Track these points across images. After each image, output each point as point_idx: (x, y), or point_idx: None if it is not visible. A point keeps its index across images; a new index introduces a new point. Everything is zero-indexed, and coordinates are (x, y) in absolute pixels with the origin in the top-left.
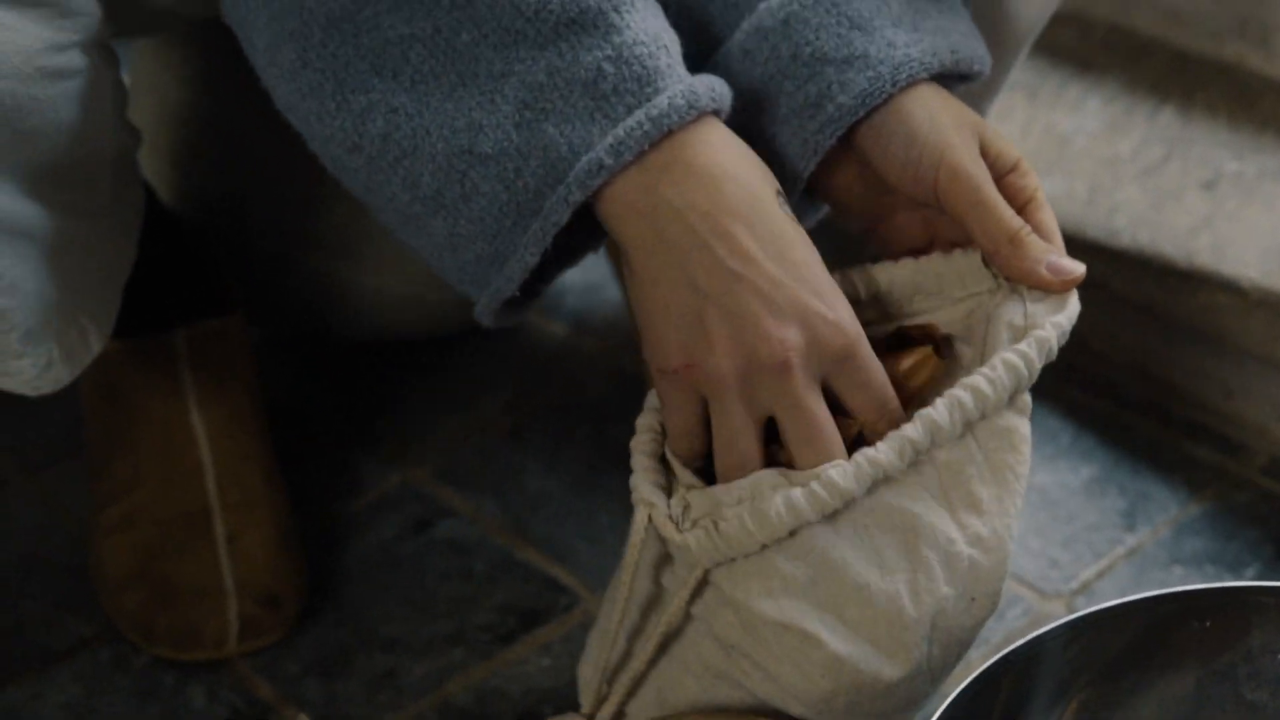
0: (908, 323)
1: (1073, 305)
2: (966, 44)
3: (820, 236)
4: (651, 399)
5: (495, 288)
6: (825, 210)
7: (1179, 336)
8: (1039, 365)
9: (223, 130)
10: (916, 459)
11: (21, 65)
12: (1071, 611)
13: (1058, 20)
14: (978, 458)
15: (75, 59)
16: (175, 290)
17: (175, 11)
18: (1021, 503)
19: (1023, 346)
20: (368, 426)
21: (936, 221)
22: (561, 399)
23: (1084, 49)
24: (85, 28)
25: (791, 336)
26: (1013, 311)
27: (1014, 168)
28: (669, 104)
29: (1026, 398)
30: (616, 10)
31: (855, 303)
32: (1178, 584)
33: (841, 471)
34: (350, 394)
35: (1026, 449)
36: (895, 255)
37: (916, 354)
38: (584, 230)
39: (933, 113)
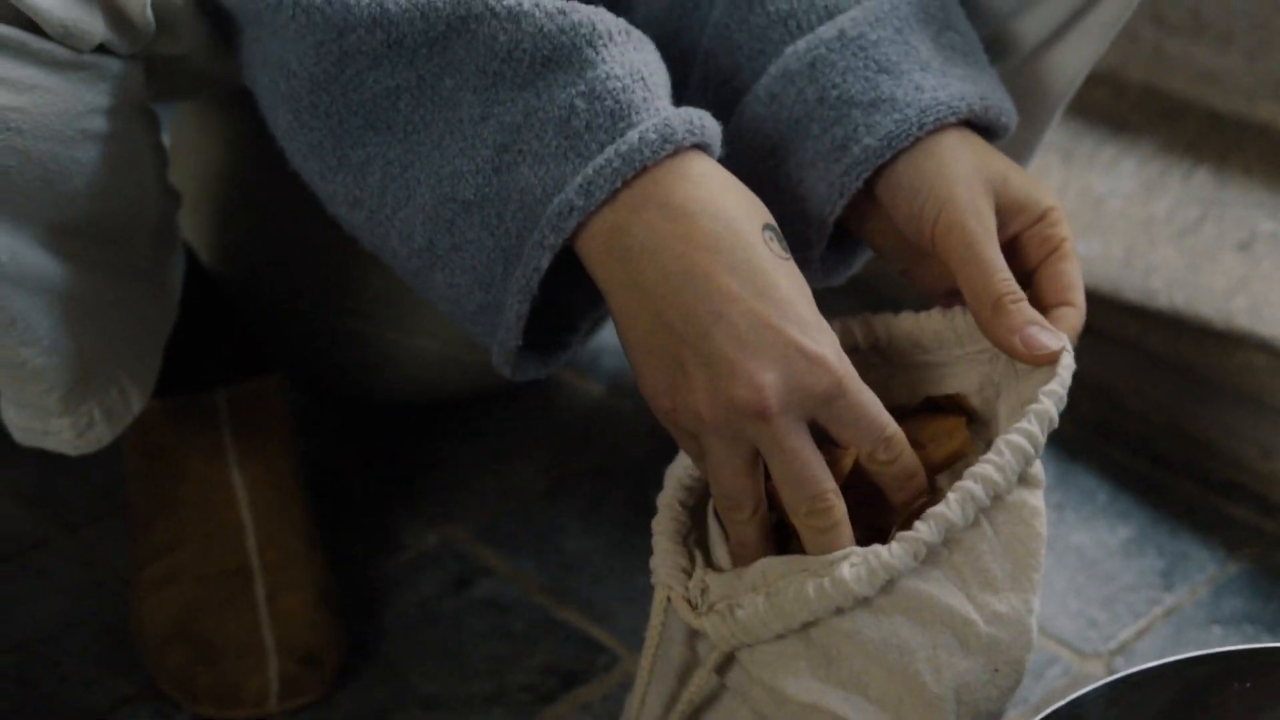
0: (937, 393)
1: (1064, 369)
2: (994, 94)
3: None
4: (672, 472)
5: (499, 338)
6: (868, 255)
7: (1216, 396)
8: (1043, 438)
9: (262, 192)
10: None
11: (62, 128)
12: (1110, 672)
13: (1091, 81)
14: (989, 535)
15: (116, 122)
16: (216, 350)
17: (213, 75)
18: (1040, 575)
19: (1024, 424)
20: (406, 486)
21: None
22: (599, 459)
23: (1118, 110)
24: (126, 90)
25: (770, 380)
26: (1010, 381)
27: (1042, 217)
28: (639, 139)
29: (1037, 470)
30: (592, 45)
31: (853, 350)
32: (1217, 644)
33: (854, 573)
34: (389, 453)
35: (1039, 521)
36: (932, 297)
37: (945, 422)
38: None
39: (944, 162)
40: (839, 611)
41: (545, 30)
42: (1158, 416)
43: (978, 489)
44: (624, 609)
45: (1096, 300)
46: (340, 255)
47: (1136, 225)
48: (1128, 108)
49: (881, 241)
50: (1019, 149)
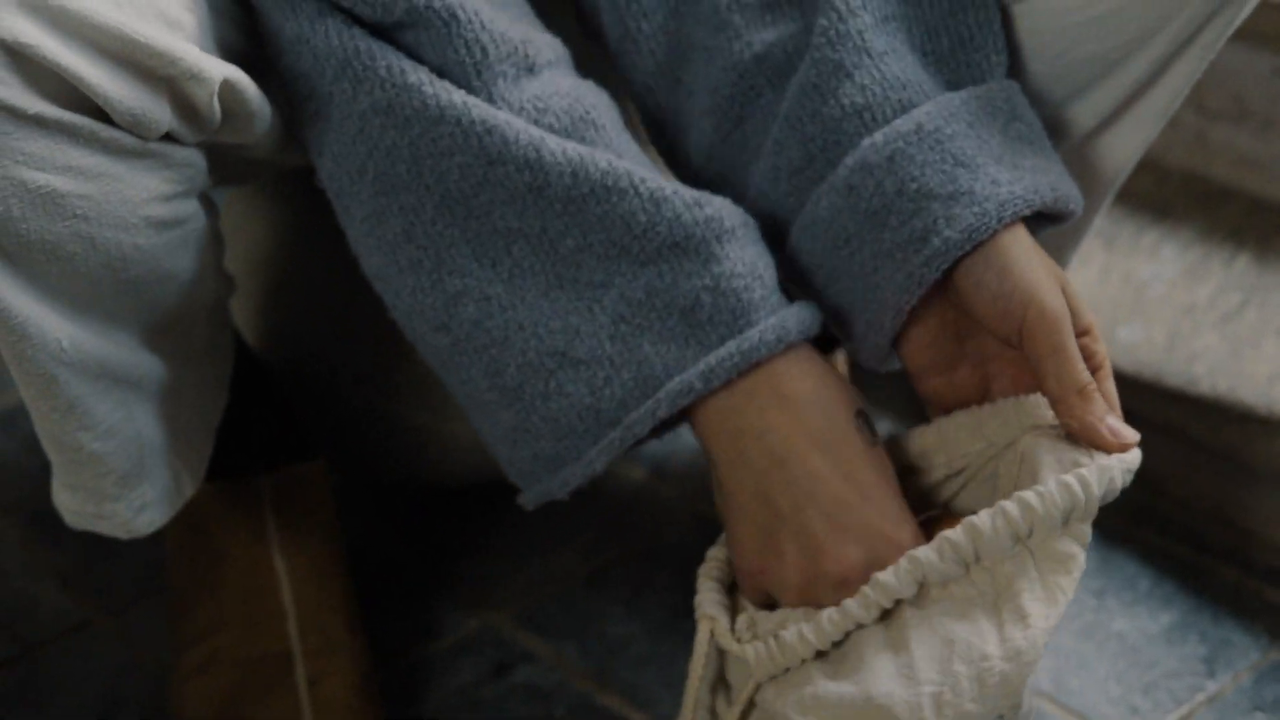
0: (957, 504)
1: (1135, 456)
2: (1064, 183)
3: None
4: (723, 538)
5: (544, 488)
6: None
7: (1259, 482)
8: (1097, 494)
9: (308, 278)
10: (965, 565)
11: (127, 215)
12: None
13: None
14: (1032, 574)
15: (179, 209)
16: (260, 434)
17: (274, 162)
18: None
19: (1082, 471)
20: (447, 571)
21: (997, 379)
22: (641, 544)
23: (1160, 195)
24: (189, 178)
25: (853, 555)
26: (1064, 449)
27: (1087, 331)
28: (760, 338)
29: (1086, 529)
30: (719, 240)
31: (910, 470)
32: None
33: (887, 572)
34: (429, 538)
35: (1078, 574)
36: (939, 409)
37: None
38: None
39: (1028, 251)
40: (871, 630)
41: (682, 219)
42: (1200, 503)
43: (1012, 507)
44: (667, 694)
45: (1139, 386)
46: (381, 340)
47: (1179, 311)
48: (1170, 193)
49: (920, 345)
50: (1071, 234)
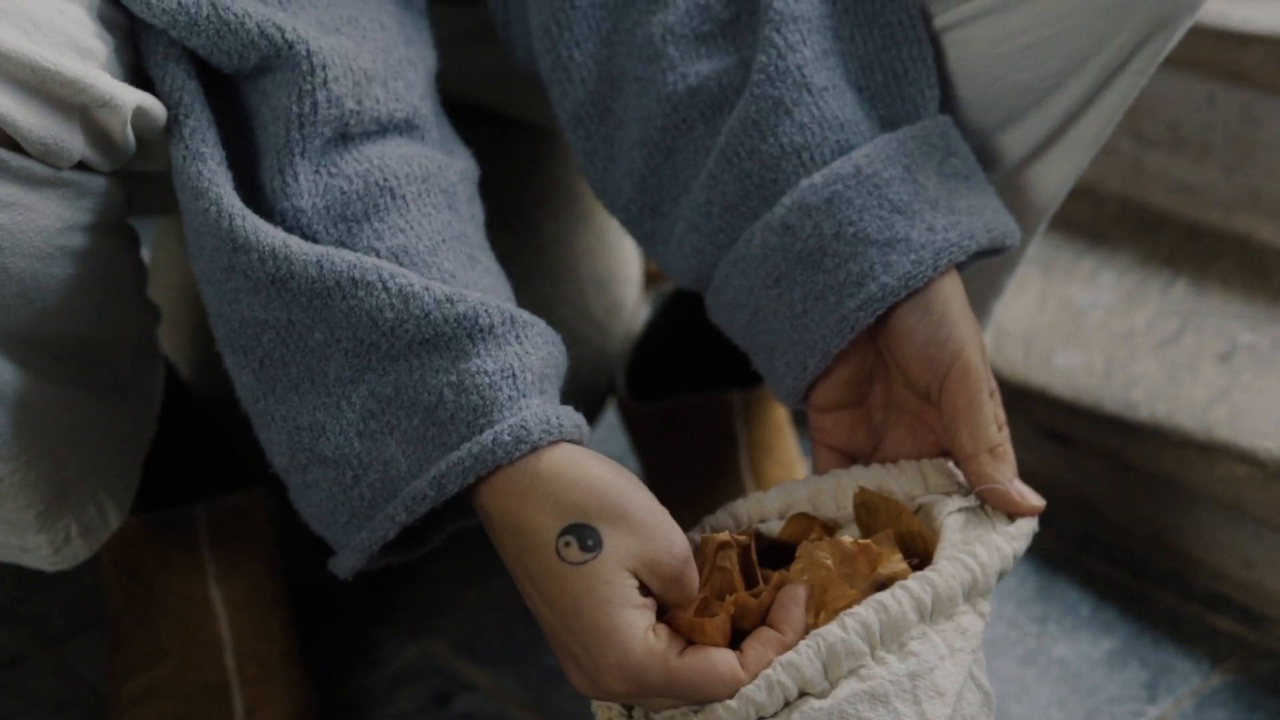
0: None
1: (1030, 526)
2: (999, 220)
3: None
4: None
5: (342, 564)
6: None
7: (1198, 507)
8: (994, 569)
9: None
10: (872, 646)
11: (42, 245)
12: None
13: (1071, 193)
14: (942, 649)
15: (95, 239)
16: (194, 465)
17: None
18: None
19: (978, 549)
20: (386, 599)
21: (891, 429)
22: None
23: (1097, 222)
24: (105, 207)
25: (574, 679)
26: (970, 525)
27: (993, 393)
28: (493, 440)
29: (986, 608)
30: (470, 338)
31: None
32: None
33: (793, 652)
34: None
35: (983, 658)
36: (826, 446)
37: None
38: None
39: (962, 302)
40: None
41: (431, 317)
42: (1140, 528)
43: (914, 585)
44: None
45: (1078, 412)
46: None
47: (1117, 337)
48: (1107, 220)
49: (829, 384)
50: (1004, 263)
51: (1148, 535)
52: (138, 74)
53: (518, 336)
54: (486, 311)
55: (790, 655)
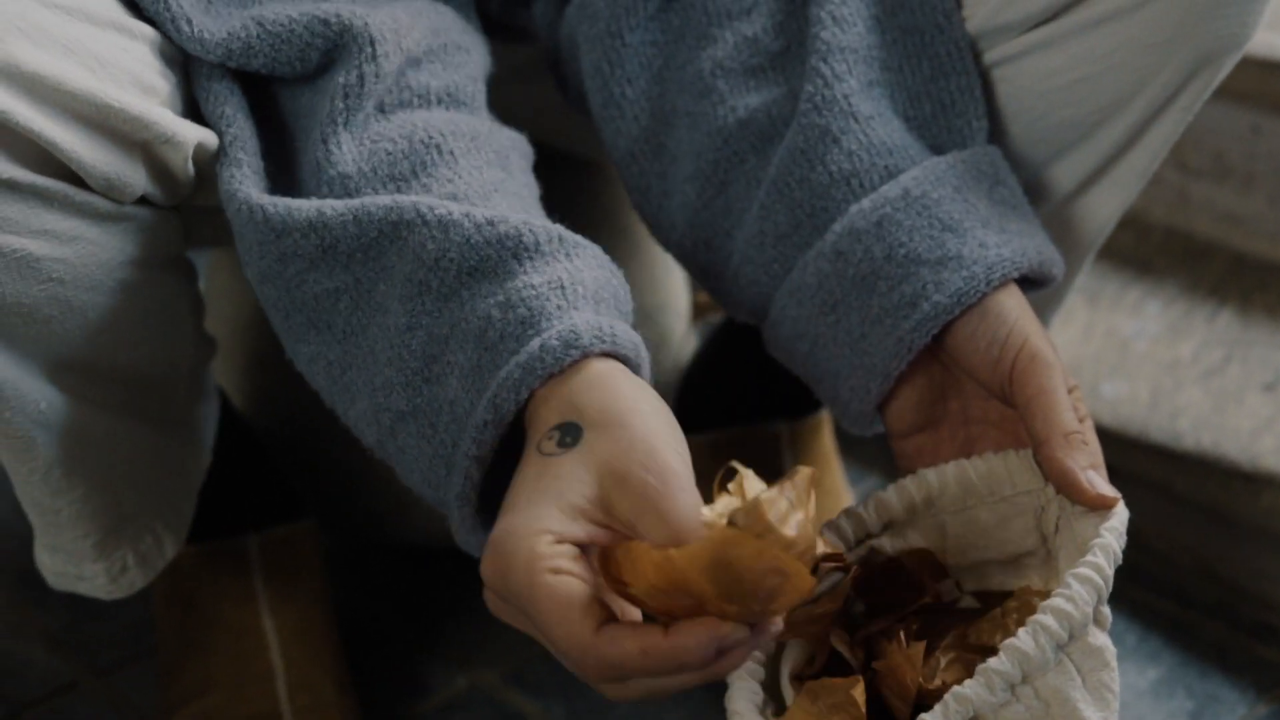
0: (991, 546)
1: (1121, 511)
2: (1047, 248)
3: None
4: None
5: (459, 533)
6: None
7: (1244, 537)
8: (1110, 571)
9: None
10: (1012, 688)
11: (103, 278)
12: None
13: (1117, 224)
14: (1077, 680)
15: (155, 272)
16: (247, 496)
17: None
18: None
19: (1091, 558)
20: (435, 630)
21: (979, 441)
22: None
23: (1143, 252)
24: (165, 241)
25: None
26: (1066, 521)
27: (1071, 389)
28: (540, 347)
29: (1106, 611)
30: (517, 258)
31: (904, 517)
32: None
33: (931, 714)
34: (417, 598)
35: (1115, 664)
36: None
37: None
38: None
39: (1021, 305)
40: None
41: (472, 241)
42: (1185, 558)
43: (1049, 620)
44: None
45: (1123, 442)
46: None
47: (1162, 367)
48: (1152, 250)
49: (903, 406)
50: (1052, 296)
51: (1193, 565)
52: (198, 110)
53: (567, 254)
54: (530, 230)
55: (925, 716)
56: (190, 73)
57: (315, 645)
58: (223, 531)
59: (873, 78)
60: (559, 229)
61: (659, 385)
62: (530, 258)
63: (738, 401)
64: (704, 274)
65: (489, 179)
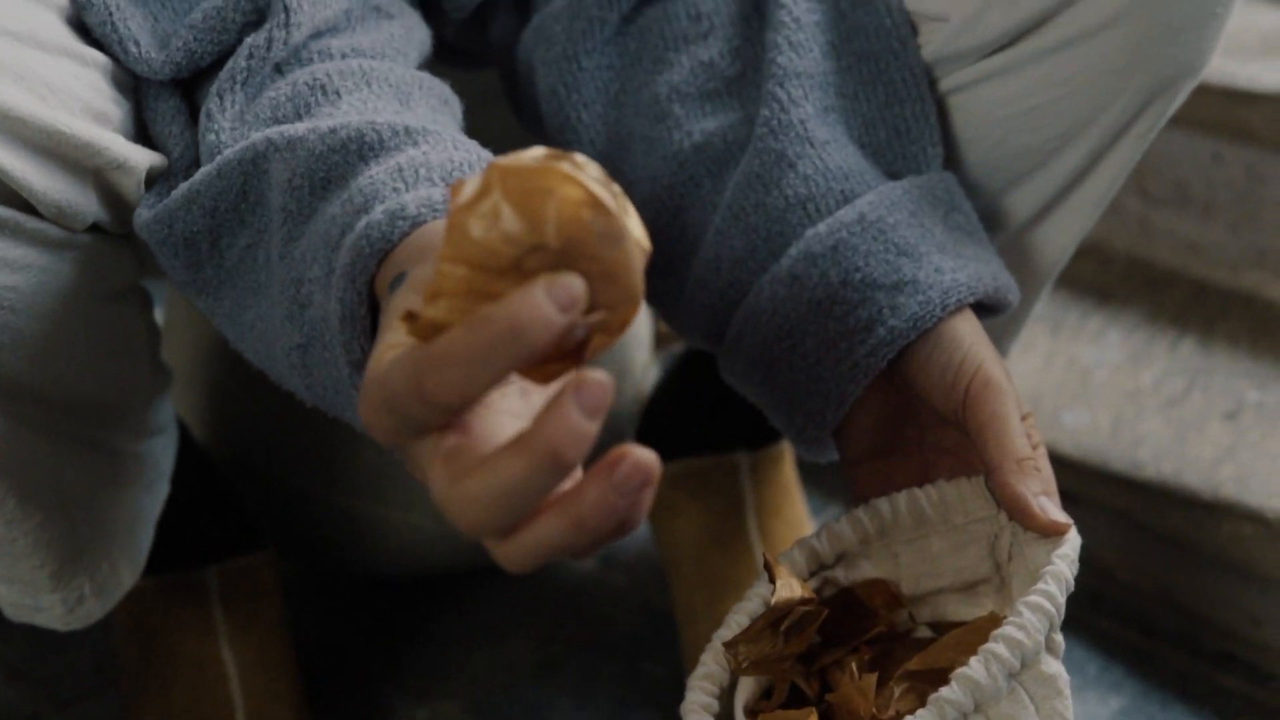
0: (945, 575)
1: (1074, 538)
2: (1002, 274)
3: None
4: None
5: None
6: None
7: (1205, 566)
8: (1062, 599)
9: (255, 369)
10: (965, 719)
11: (55, 307)
12: None
13: (1078, 252)
14: (1031, 709)
15: (108, 301)
16: (206, 526)
17: None
18: None
19: (1042, 586)
20: (397, 660)
21: (934, 468)
22: (591, 634)
23: (1104, 281)
24: (118, 269)
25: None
26: (1018, 549)
27: (1025, 416)
28: (366, 224)
29: (1059, 638)
30: (361, 158)
31: (857, 548)
32: None
33: None
34: (379, 628)
35: (1069, 691)
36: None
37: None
38: None
39: (976, 330)
40: None
41: (316, 152)
42: (1147, 587)
43: (1001, 648)
44: None
45: (1084, 471)
46: (331, 432)
47: (1123, 396)
48: (1114, 278)
49: (858, 431)
50: (1009, 324)
51: (1155, 594)
52: (150, 137)
53: (414, 143)
54: (375, 129)
55: None
56: (142, 101)
57: (274, 676)
58: (182, 562)
59: (828, 103)
60: (406, 123)
61: (620, 416)
62: (375, 155)
63: (698, 432)
64: (660, 300)
65: (376, 109)
